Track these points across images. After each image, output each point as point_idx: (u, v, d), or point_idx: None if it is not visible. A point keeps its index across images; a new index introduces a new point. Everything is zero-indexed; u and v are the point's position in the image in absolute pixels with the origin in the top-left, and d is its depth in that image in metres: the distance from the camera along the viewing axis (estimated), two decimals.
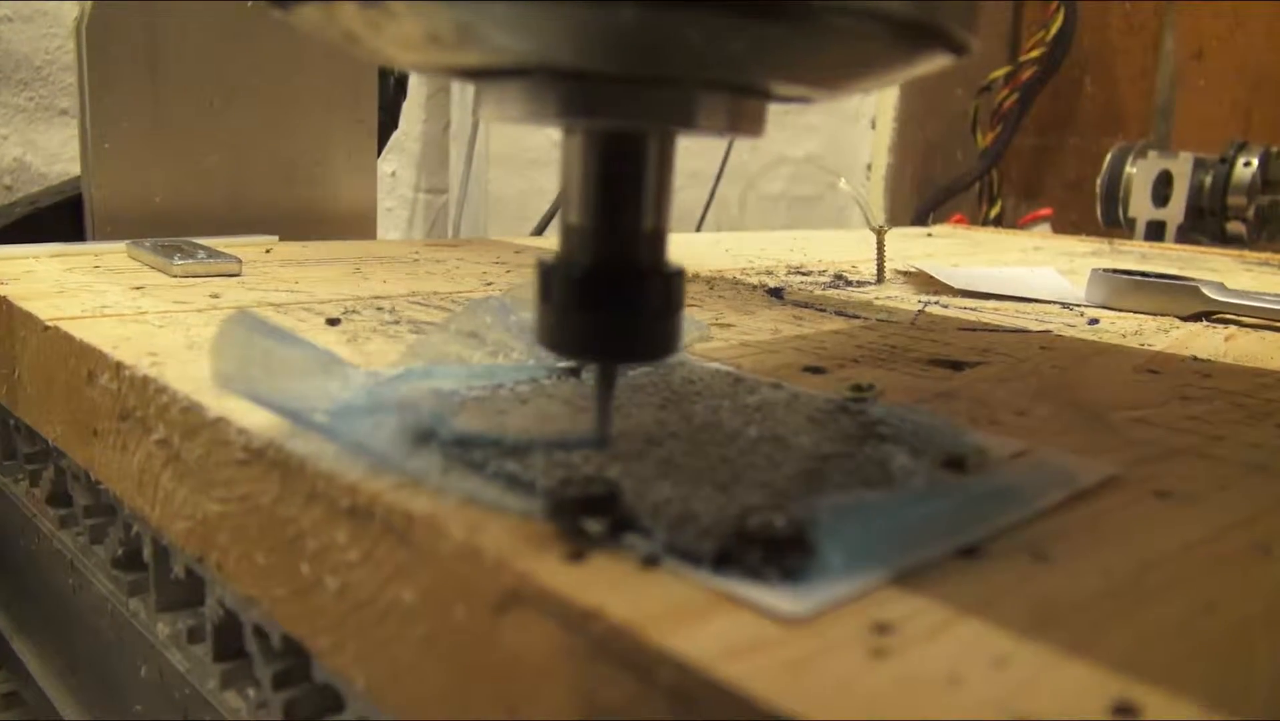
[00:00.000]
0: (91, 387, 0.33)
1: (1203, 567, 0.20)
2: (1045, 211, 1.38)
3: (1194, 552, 0.21)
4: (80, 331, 0.35)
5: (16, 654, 0.48)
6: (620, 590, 0.17)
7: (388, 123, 0.82)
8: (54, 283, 0.44)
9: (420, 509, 0.20)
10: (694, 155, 1.59)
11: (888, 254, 0.65)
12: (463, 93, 1.32)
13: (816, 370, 0.36)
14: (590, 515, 0.19)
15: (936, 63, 0.23)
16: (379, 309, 0.43)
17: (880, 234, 0.62)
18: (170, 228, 0.66)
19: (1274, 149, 1.15)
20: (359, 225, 0.77)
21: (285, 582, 0.24)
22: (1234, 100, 1.45)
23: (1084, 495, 0.24)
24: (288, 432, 0.24)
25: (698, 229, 1.57)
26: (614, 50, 0.20)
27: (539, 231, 1.20)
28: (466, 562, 0.19)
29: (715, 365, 0.34)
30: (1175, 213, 1.19)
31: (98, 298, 0.41)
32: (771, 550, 0.17)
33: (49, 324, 0.36)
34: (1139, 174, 1.21)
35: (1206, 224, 1.16)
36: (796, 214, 1.81)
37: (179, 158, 0.68)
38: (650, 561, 0.18)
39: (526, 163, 1.45)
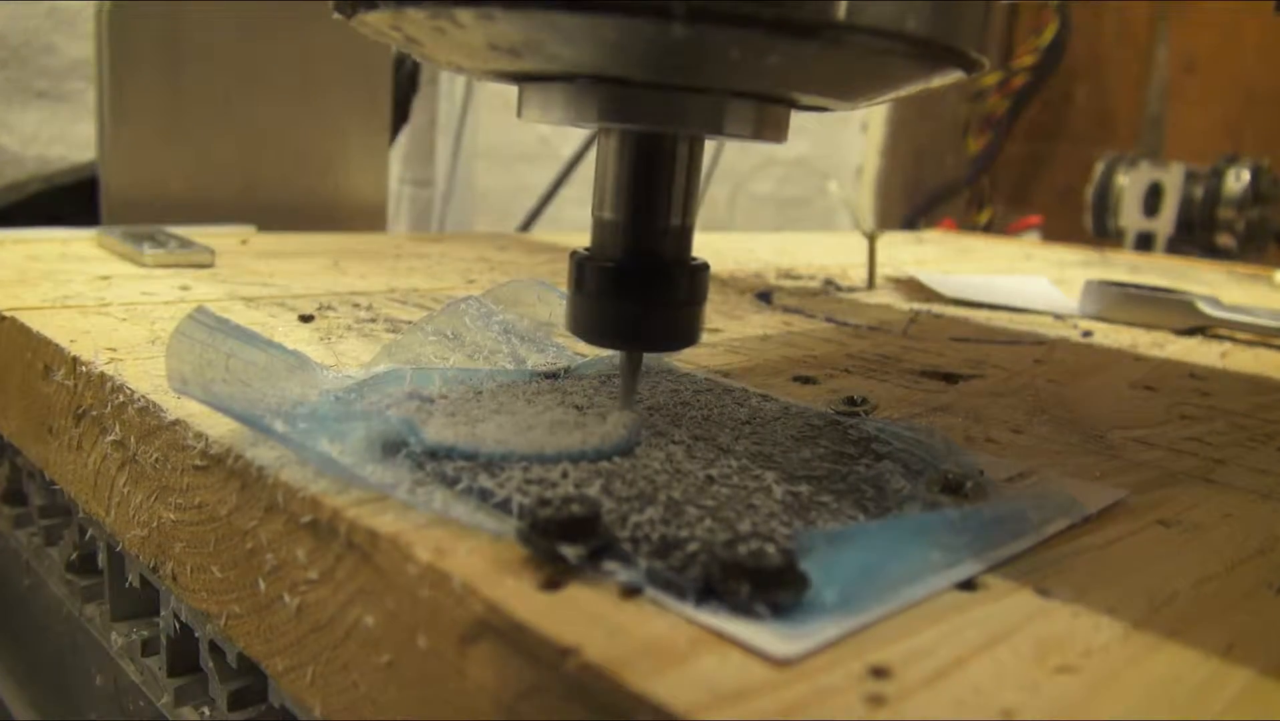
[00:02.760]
0: (47, 383, 0.32)
1: (1217, 607, 0.19)
2: (1035, 219, 1.38)
3: (1205, 590, 0.20)
4: (37, 323, 0.33)
5: None
6: (598, 624, 0.16)
7: (398, 116, 0.81)
8: (16, 270, 0.43)
9: (385, 527, 0.19)
10: None
11: (879, 259, 0.64)
12: (451, 85, 1.30)
13: (807, 380, 0.35)
14: (568, 539, 0.17)
15: (950, 78, 0.24)
16: (355, 305, 0.41)
17: (872, 240, 0.61)
18: (182, 216, 0.65)
19: (1265, 162, 1.14)
20: (369, 217, 0.76)
21: (242, 599, 0.23)
22: (1225, 114, 1.45)
23: (1086, 521, 0.22)
24: (248, 439, 0.23)
25: None
26: (657, 61, 0.21)
27: (524, 227, 1.19)
28: (433, 587, 0.18)
29: (703, 374, 0.33)
30: (1165, 224, 1.18)
31: (60, 287, 0.40)
32: (761, 583, 0.16)
33: (5, 314, 0.35)
34: (1130, 184, 1.21)
35: (1196, 236, 1.16)
36: (785, 215, 1.80)
37: (194, 147, 0.67)
38: (630, 591, 0.17)
39: (514, 157, 1.43)
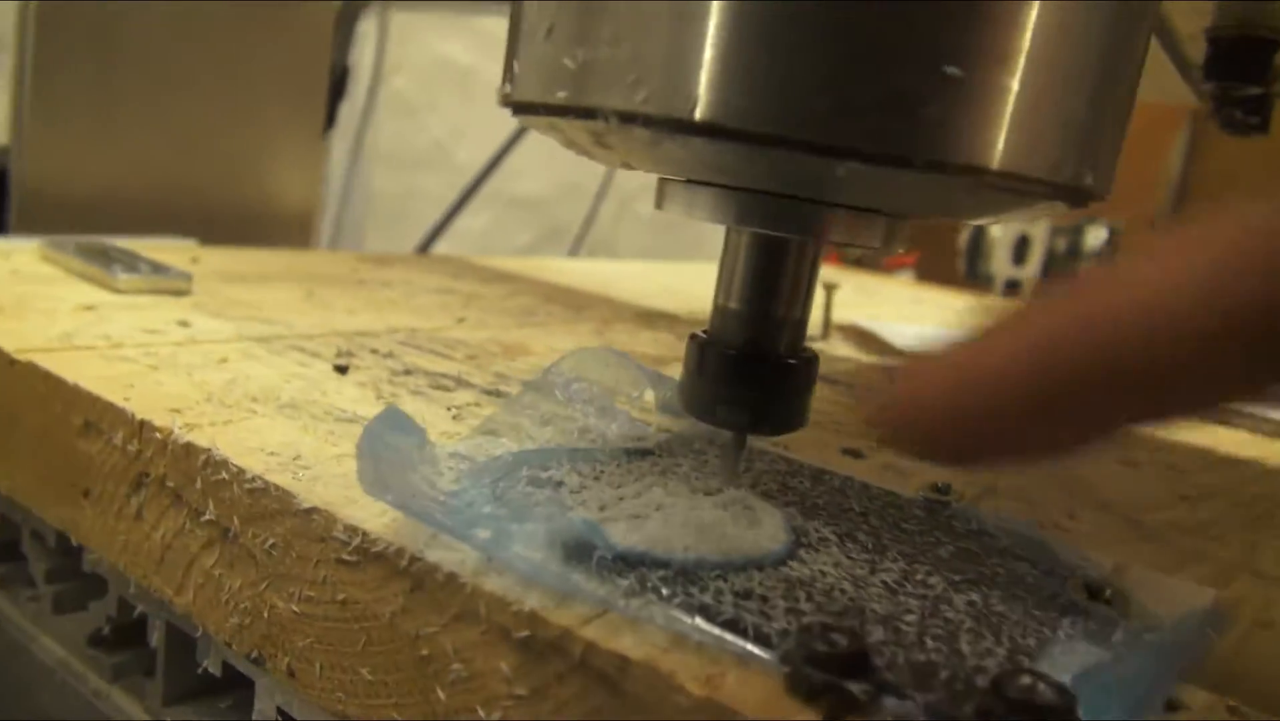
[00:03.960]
0: (88, 441, 0.29)
1: None
2: (909, 258, 1.46)
3: None
4: (61, 369, 0.30)
5: None
6: None
7: (326, 121, 0.77)
8: None
9: (632, 651, 0.19)
10: (574, 166, 1.58)
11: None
12: (353, 86, 1.25)
13: (854, 454, 0.36)
14: (848, 674, 0.18)
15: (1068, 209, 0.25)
16: (374, 351, 0.40)
17: (830, 290, 0.63)
18: (103, 217, 0.60)
19: (1120, 224, 1.26)
20: (298, 228, 0.72)
21: (405, 706, 0.22)
22: None
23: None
24: (419, 537, 0.22)
25: (572, 251, 1.56)
26: (806, 183, 0.23)
27: (424, 247, 1.16)
28: (709, 717, 0.17)
29: (771, 449, 0.34)
30: (1032, 272, 1.28)
31: (52, 322, 0.36)
32: (1040, 719, 0.17)
33: (16, 357, 0.31)
34: (1001, 234, 1.30)
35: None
36: (660, 240, 1.81)
37: (122, 147, 0.62)
38: None
39: (410, 163, 1.39)
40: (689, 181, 0.25)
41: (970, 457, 0.21)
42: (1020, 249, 1.29)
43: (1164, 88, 0.50)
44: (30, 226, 0.57)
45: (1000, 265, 1.31)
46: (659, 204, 0.27)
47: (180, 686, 0.29)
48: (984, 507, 0.30)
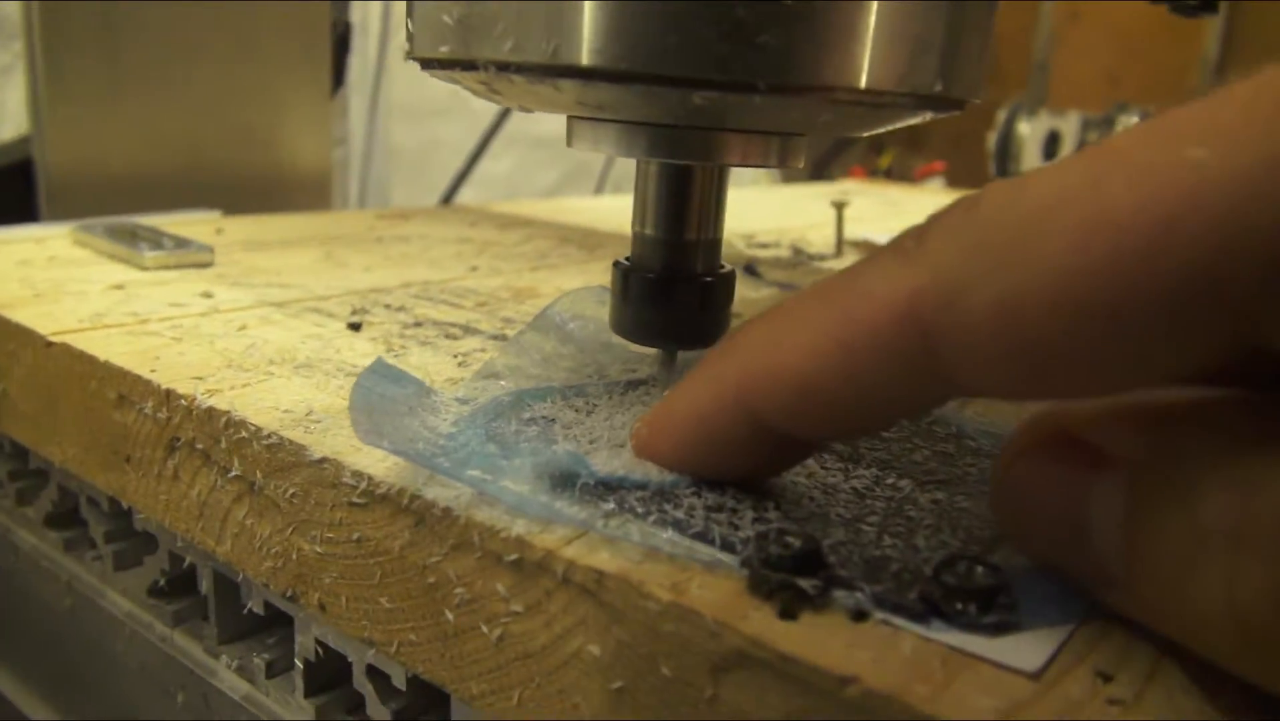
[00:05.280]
0: (123, 412, 0.31)
1: None
2: (938, 165, 1.44)
3: None
4: (92, 348, 0.33)
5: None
6: (856, 650, 0.18)
7: (334, 79, 0.78)
8: (19, 281, 0.41)
9: (607, 565, 0.20)
10: None
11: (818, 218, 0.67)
12: (364, 40, 1.26)
13: None
14: (801, 572, 0.19)
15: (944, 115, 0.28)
16: (387, 306, 0.41)
17: (840, 208, 0.64)
18: (128, 197, 0.62)
19: (1151, 110, 1.23)
20: (315, 189, 0.74)
21: (420, 628, 0.24)
22: (1106, 62, 1.53)
23: None
24: (418, 477, 0.24)
25: (598, 188, 1.56)
26: (701, 114, 0.24)
27: (448, 196, 1.17)
28: (678, 622, 0.19)
29: None
30: None
31: (82, 302, 0.39)
32: (984, 603, 0.19)
33: (52, 339, 0.34)
34: (1031, 132, 1.28)
35: None
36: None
37: (137, 123, 0.64)
38: (859, 616, 0.19)
39: (427, 113, 1.40)
40: (588, 119, 0.27)
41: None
42: (1051, 145, 1.26)
43: None
44: (60, 212, 0.60)
45: (1031, 164, 1.29)
46: (569, 141, 0.29)
47: (231, 627, 0.31)
48: (966, 413, 0.31)
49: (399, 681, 0.26)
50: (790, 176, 1.74)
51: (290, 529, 0.27)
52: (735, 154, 0.27)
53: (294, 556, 0.27)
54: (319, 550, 0.26)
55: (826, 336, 0.19)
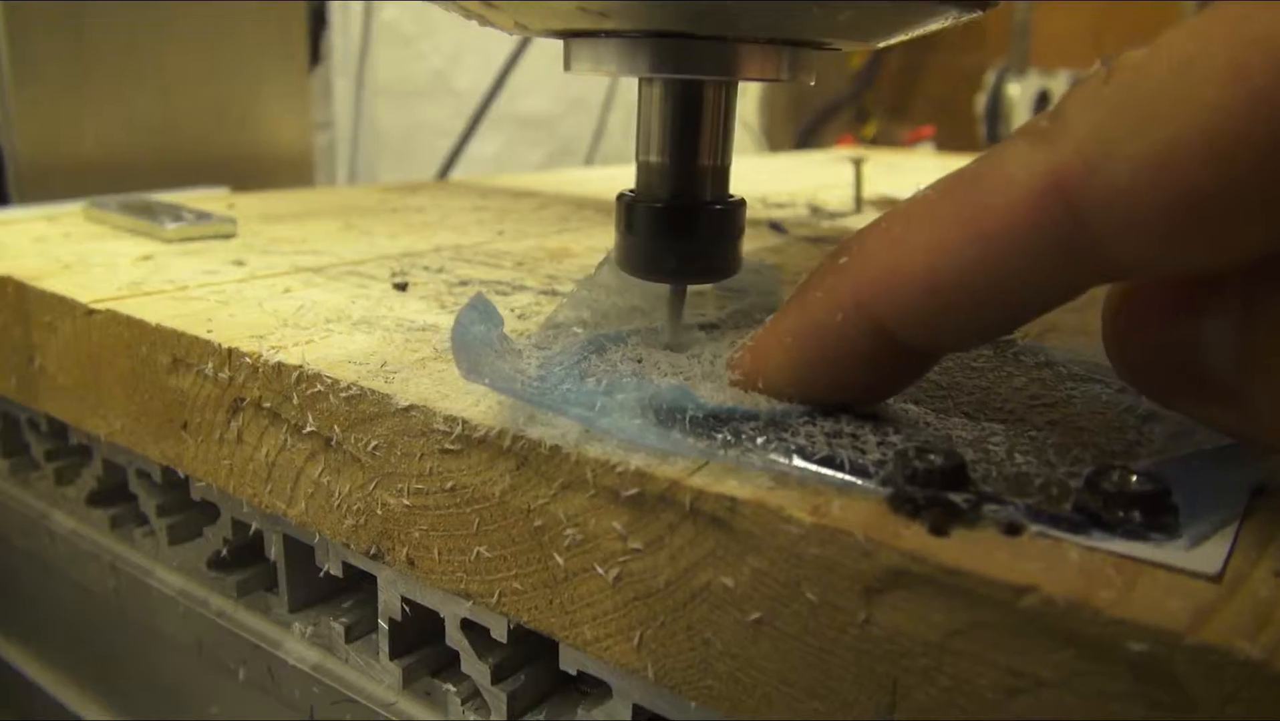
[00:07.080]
0: (178, 377, 0.30)
1: None
2: (927, 130, 1.43)
3: None
4: (139, 313, 0.31)
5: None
6: (1023, 560, 0.17)
7: (311, 56, 0.76)
8: (46, 257, 0.39)
9: (738, 492, 0.20)
10: (575, 81, 1.55)
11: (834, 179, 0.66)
12: (345, 19, 1.24)
13: None
14: (950, 487, 0.18)
15: (968, 17, 0.26)
16: (426, 268, 0.40)
17: (859, 164, 0.63)
18: (102, 180, 0.60)
19: None
20: (296, 169, 0.72)
21: (525, 575, 0.23)
22: (1086, 20, 1.53)
23: None
24: (518, 418, 0.23)
25: (586, 165, 1.54)
26: (709, 19, 0.23)
27: (443, 172, 1.15)
28: (823, 545, 0.18)
29: None
30: None
31: (113, 272, 0.37)
32: (1149, 509, 0.18)
33: (96, 307, 0.32)
34: (1020, 93, 1.27)
35: None
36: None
37: (107, 103, 0.61)
38: (1013, 530, 0.18)
39: (410, 94, 1.38)
40: (590, 35, 0.25)
41: None
42: (1041, 105, 1.26)
43: None
44: (32, 196, 0.57)
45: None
46: (567, 64, 0.27)
47: (302, 593, 0.30)
48: (1049, 342, 0.31)
49: (499, 633, 0.25)
50: (777, 146, 1.74)
51: (373, 483, 0.26)
52: (746, 67, 0.25)
53: (378, 511, 0.26)
54: (407, 502, 0.25)
55: (959, 229, 0.19)
